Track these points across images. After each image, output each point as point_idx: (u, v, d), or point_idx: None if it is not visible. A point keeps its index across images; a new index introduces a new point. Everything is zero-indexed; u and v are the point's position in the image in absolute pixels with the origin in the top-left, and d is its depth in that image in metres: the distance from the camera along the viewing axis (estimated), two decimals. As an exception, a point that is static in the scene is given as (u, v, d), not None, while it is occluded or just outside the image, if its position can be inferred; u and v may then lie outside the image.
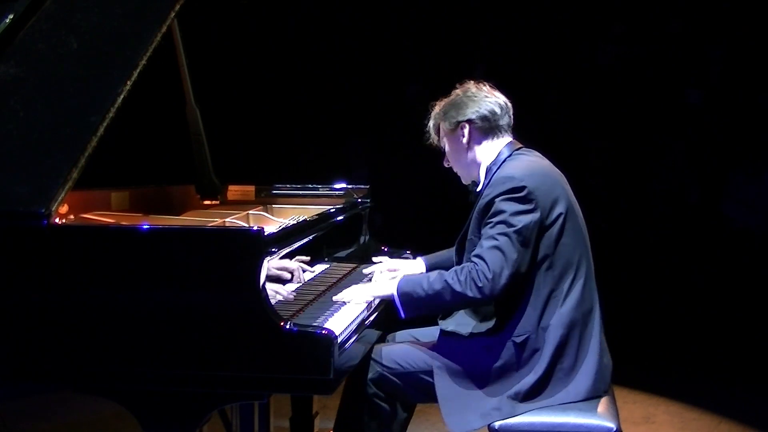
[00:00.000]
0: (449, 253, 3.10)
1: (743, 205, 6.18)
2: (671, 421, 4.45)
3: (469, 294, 2.60)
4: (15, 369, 2.37)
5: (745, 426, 4.40)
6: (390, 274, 3.06)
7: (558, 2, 6.80)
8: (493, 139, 2.81)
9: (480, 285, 2.58)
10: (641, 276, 6.26)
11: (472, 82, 2.88)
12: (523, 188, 2.61)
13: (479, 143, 2.82)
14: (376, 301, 2.79)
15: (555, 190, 2.68)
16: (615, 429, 2.53)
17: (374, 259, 3.24)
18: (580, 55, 6.76)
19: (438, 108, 2.88)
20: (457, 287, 2.60)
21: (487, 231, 2.64)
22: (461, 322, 2.81)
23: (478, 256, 2.62)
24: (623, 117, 6.56)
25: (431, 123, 2.91)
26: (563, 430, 2.53)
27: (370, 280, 3.08)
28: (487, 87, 2.86)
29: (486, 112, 2.80)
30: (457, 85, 2.88)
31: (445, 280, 2.63)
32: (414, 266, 3.16)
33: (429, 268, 3.11)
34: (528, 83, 6.47)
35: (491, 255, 2.59)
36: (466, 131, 2.80)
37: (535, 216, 2.61)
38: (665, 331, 5.88)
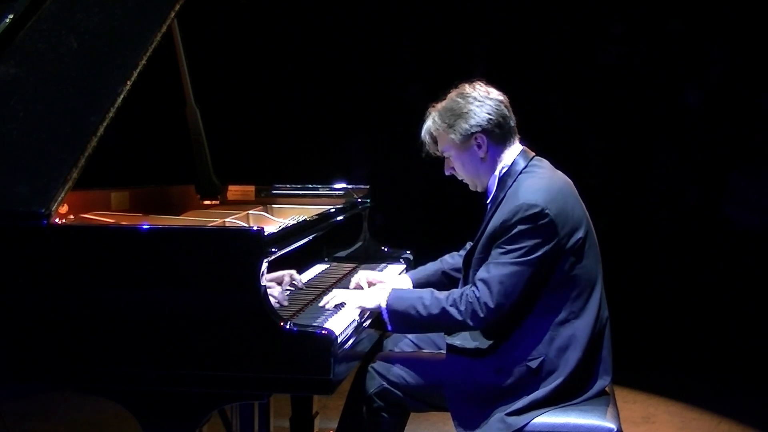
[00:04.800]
0: (435, 266, 3.03)
1: (744, 205, 6.18)
2: (671, 421, 4.45)
3: (470, 324, 2.53)
4: (15, 369, 2.37)
5: (745, 426, 4.40)
6: (378, 285, 2.91)
7: (558, 2, 6.79)
8: (506, 145, 2.66)
9: (482, 316, 2.50)
10: (641, 276, 6.25)
11: (465, 84, 2.70)
12: (545, 216, 2.49)
13: (496, 153, 2.65)
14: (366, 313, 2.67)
15: (575, 212, 2.58)
16: (615, 429, 2.52)
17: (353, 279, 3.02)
18: (580, 55, 6.75)
19: (437, 117, 2.67)
20: (458, 317, 2.52)
21: (498, 255, 2.53)
22: (468, 337, 2.72)
23: (483, 281, 2.51)
24: (623, 117, 6.56)
25: (428, 131, 2.71)
26: (563, 430, 2.53)
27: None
28: (483, 86, 2.68)
29: (499, 118, 2.63)
30: (451, 90, 2.70)
31: (443, 308, 2.53)
32: (398, 282, 3.00)
33: (415, 285, 2.97)
34: (528, 83, 6.47)
35: (498, 285, 2.49)
36: (482, 142, 2.63)
37: (552, 245, 2.51)
38: (665, 331, 5.88)
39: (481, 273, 2.55)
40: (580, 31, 6.75)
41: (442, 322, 2.56)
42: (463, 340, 2.73)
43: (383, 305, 2.59)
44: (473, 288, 2.54)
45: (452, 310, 2.53)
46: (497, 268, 2.52)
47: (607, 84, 6.63)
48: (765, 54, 6.27)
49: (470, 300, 2.52)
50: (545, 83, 6.63)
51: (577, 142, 6.58)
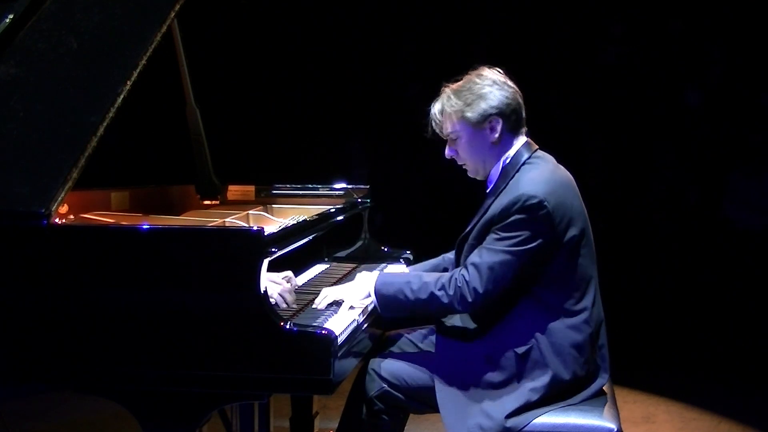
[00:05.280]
0: (436, 262, 3.03)
1: (744, 206, 6.18)
2: (671, 421, 4.45)
3: (457, 308, 2.54)
4: (15, 369, 2.37)
5: (745, 426, 4.40)
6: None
7: (558, 2, 6.79)
8: (515, 135, 2.66)
9: (470, 300, 2.50)
10: (641, 276, 6.25)
11: (484, 67, 2.70)
12: (544, 208, 2.49)
13: (506, 140, 2.64)
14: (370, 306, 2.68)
15: (574, 208, 2.58)
16: (615, 429, 2.52)
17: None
18: (580, 55, 6.75)
19: (453, 95, 2.64)
20: (445, 300, 2.52)
21: (492, 241, 2.53)
22: (458, 319, 2.73)
23: (474, 265, 2.51)
24: (623, 117, 6.56)
25: (441, 109, 2.67)
26: (563, 430, 2.53)
27: None
28: (501, 72, 2.69)
29: (516, 105, 2.64)
30: (470, 72, 2.69)
31: (431, 292, 2.53)
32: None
33: None
34: (528, 83, 6.46)
35: (488, 270, 2.49)
36: (497, 126, 2.62)
37: (548, 238, 2.50)
38: (665, 331, 5.88)
39: (473, 257, 2.55)
40: (580, 31, 6.75)
41: (429, 305, 2.56)
42: (453, 321, 2.73)
43: (372, 291, 2.60)
44: (463, 272, 2.54)
45: (440, 294, 2.53)
46: (489, 254, 2.51)
47: (607, 84, 6.63)
48: (765, 54, 6.26)
49: (459, 284, 2.52)
50: (545, 83, 6.63)
51: (577, 142, 6.57)
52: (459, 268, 2.60)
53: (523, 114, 2.68)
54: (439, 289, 2.54)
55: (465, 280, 2.52)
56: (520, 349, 2.56)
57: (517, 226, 2.50)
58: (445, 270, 2.97)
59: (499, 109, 2.62)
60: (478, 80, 2.65)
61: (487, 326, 2.63)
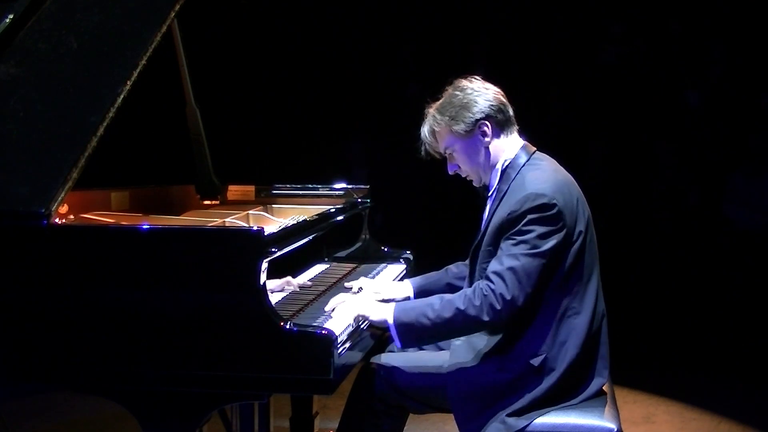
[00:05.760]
0: (439, 275, 2.99)
1: (744, 206, 6.18)
2: (671, 421, 4.45)
3: (485, 319, 2.46)
4: (15, 369, 2.37)
5: (745, 426, 4.40)
6: (379, 296, 2.83)
7: (558, 2, 6.80)
8: (507, 134, 2.66)
9: (498, 308, 2.44)
10: (641, 276, 6.26)
11: (461, 79, 2.71)
12: (554, 206, 2.48)
13: (501, 140, 2.64)
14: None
15: (579, 206, 2.57)
16: (616, 429, 2.52)
17: (352, 284, 2.99)
18: (580, 54, 6.76)
19: (437, 114, 2.66)
20: (472, 312, 2.45)
21: (509, 247, 2.50)
22: (468, 346, 2.67)
23: (497, 273, 2.47)
24: (623, 117, 6.56)
25: (429, 130, 2.69)
26: (564, 430, 2.53)
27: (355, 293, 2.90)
28: (479, 79, 2.70)
29: (499, 104, 2.65)
30: (448, 87, 2.70)
31: (457, 307, 2.46)
32: (400, 289, 2.95)
33: (416, 292, 2.91)
34: (528, 83, 6.47)
35: (511, 276, 2.45)
36: (487, 129, 2.62)
37: (561, 236, 2.49)
38: (665, 331, 5.88)
39: (494, 266, 2.51)
40: (580, 31, 6.75)
41: (455, 323, 2.48)
42: (464, 354, 2.67)
43: (390, 320, 2.52)
44: (487, 282, 2.49)
45: (466, 307, 2.46)
46: (510, 260, 2.47)
47: (608, 84, 6.63)
48: (765, 54, 6.27)
49: (485, 293, 2.46)
50: (546, 83, 6.64)
51: (577, 142, 6.58)
52: (481, 279, 2.55)
53: (510, 112, 2.69)
54: (465, 303, 2.47)
55: (491, 288, 2.47)
56: (536, 361, 2.54)
57: (531, 228, 2.49)
58: (449, 285, 2.93)
59: (485, 113, 2.63)
60: (457, 92, 2.66)
61: (500, 338, 2.59)
